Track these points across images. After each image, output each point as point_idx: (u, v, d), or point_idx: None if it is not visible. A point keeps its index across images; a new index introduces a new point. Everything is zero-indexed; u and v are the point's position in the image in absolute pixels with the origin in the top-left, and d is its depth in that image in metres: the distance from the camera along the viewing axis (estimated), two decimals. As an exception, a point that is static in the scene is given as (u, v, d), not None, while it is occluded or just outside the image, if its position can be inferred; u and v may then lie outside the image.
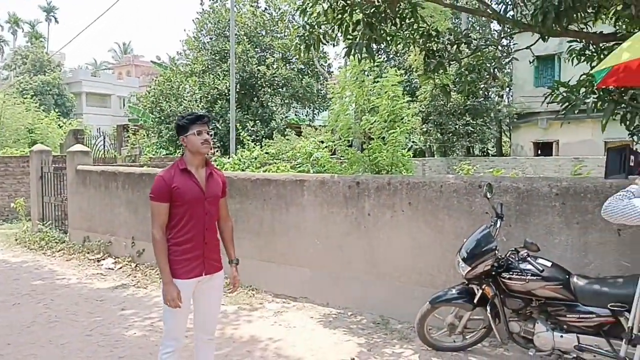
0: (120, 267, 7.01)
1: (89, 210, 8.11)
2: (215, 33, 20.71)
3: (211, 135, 3.11)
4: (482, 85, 5.68)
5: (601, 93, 4.67)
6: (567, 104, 4.66)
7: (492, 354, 4.06)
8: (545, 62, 20.93)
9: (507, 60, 5.91)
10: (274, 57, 20.27)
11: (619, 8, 4.94)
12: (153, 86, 20.68)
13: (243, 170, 9.50)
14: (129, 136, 20.28)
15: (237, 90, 18.28)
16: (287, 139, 14.94)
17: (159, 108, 19.31)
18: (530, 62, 6.58)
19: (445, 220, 4.58)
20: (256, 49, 20.38)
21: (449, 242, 4.41)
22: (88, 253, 7.67)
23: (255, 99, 19.94)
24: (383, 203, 4.99)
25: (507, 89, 23.94)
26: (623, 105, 4.58)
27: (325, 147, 10.33)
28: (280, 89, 20.62)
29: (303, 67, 22.00)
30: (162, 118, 19.08)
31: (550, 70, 21.35)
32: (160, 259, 2.90)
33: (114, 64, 59.88)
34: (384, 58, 24.47)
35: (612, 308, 3.15)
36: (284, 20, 21.58)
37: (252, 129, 17.73)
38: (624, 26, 5.22)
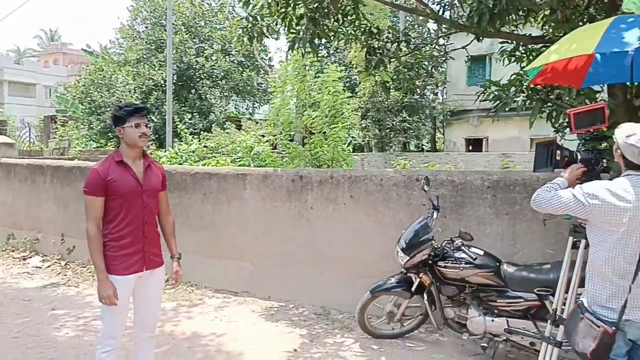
0: (49, 266, 6.63)
1: (13, 205, 7.60)
2: (150, 22, 19.98)
3: (149, 127, 3.02)
4: (418, 83, 5.85)
5: (530, 92, 4.97)
6: (498, 101, 4.93)
7: (428, 339, 4.23)
8: (477, 62, 21.88)
9: (443, 59, 6.13)
10: (213, 48, 19.87)
11: (546, 13, 5.28)
12: (83, 75, 19.64)
13: (180, 164, 9.27)
14: (57, 128, 19.13)
15: (174, 81, 17.76)
16: (227, 133, 14.70)
17: (89, 98, 18.37)
18: (465, 62, 6.87)
19: (385, 212, 4.71)
20: (194, 40, 19.87)
21: (389, 233, 4.53)
22: (13, 251, 7.19)
23: (193, 90, 19.46)
24: (326, 196, 5.06)
25: (442, 87, 24.82)
26: (549, 103, 4.90)
27: (266, 141, 10.27)
28: (219, 82, 20.26)
29: (243, 59, 21.72)
30: (93, 109, 18.17)
31: (482, 69, 22.37)
32: (95, 256, 2.78)
33: (39, 52, 56.09)
34: (325, 54, 24.63)
35: (539, 292, 3.38)
36: (224, 12, 21.18)
37: (189, 121, 17.30)
38: (550, 30, 5.58)
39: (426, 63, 5.44)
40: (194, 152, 11.21)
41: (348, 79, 23.04)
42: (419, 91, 21.45)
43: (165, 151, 11.85)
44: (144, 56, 19.21)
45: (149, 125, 2.98)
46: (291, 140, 10.76)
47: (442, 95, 25.96)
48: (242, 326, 4.61)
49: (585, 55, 2.98)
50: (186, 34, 19.12)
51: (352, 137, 25.36)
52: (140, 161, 2.95)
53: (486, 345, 3.60)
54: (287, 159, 9.86)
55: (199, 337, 4.34)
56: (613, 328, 2.18)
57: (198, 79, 19.33)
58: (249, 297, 5.38)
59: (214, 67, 19.28)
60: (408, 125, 22.79)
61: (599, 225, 2.28)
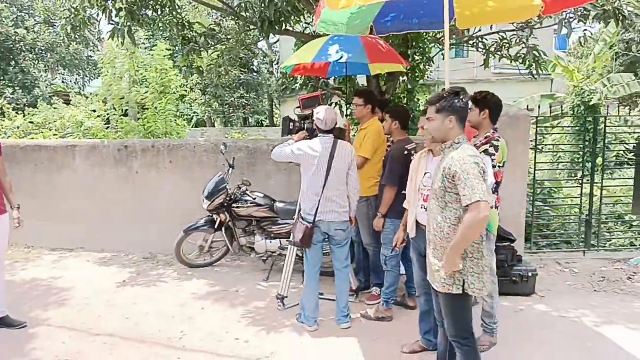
0: None
1: None
2: (-45, -15, 17.94)
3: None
4: (227, 68, 7.13)
5: (307, 80, 6.61)
6: (284, 86, 6.47)
7: (232, 265, 5.65)
8: (301, 44, 23.85)
9: (248, 50, 7.40)
10: (35, 19, 18.62)
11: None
12: None
13: (4, 140, 9.26)
14: None
15: (-11, 52, 16.46)
16: (55, 108, 14.30)
17: None
18: (264, 59, 8.15)
19: (198, 172, 5.94)
20: (12, 9, 18.39)
21: (201, 189, 5.77)
22: None
23: (13, 63, 18.13)
24: (149, 162, 6.11)
25: (276, 65, 26.46)
26: (319, 88, 6.59)
27: (98, 116, 10.58)
28: (43, 54, 19.11)
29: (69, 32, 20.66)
30: None
31: (308, 51, 24.45)
32: None
33: None
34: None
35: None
36: (44, -21, 19.81)
37: (11, 96, 16.29)
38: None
39: (228, 53, 6.70)
40: (18, 127, 11.00)
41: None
42: (252, 69, 22.70)
43: (-16, 127, 11.34)
44: (-51, 23, 17.32)
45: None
46: (125, 115, 11.21)
47: (277, 74, 27.65)
48: (77, 271, 5.50)
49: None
50: (1, 2, 17.64)
51: (195, 112, 25.84)
52: (-20, 132, 3.77)
53: (265, 258, 5.13)
54: (121, 133, 10.37)
55: (38, 280, 5.16)
56: (311, 225, 3.75)
57: (19, 51, 18.05)
58: (84, 251, 6.23)
59: (36, 39, 18.15)
60: (246, 102, 24.06)
61: (304, 166, 3.82)
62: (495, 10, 3.85)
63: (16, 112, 12.31)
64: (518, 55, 6.54)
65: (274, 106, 27.35)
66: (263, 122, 28.67)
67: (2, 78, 17.67)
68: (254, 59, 24.11)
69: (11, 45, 17.94)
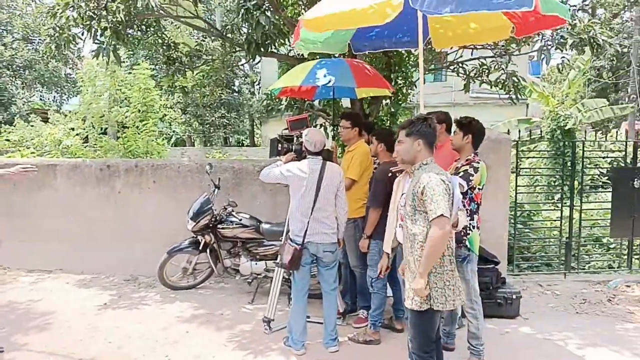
0: None
1: None
2: None
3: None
4: (211, 89, 7.14)
5: (291, 102, 6.66)
6: (270, 107, 6.49)
7: (216, 287, 5.57)
8: (286, 67, 24.06)
9: (231, 70, 7.42)
10: (13, 36, 18.37)
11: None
12: None
13: (-20, 158, 9.05)
14: None
15: (-35, 69, 16.15)
16: (32, 126, 14.07)
17: None
18: (246, 79, 8.17)
19: (183, 193, 5.88)
20: (-11, 25, 18.19)
21: (186, 209, 5.70)
22: None
23: (-10, 80, 17.84)
24: (132, 182, 6.03)
25: (258, 86, 26.54)
26: (305, 110, 6.64)
27: (77, 134, 10.44)
28: (21, 72, 18.83)
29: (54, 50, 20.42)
30: None
31: (289, 72, 24.63)
32: None
33: None
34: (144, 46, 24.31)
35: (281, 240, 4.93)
36: (25, -3, 19.68)
37: (-13, 113, 15.97)
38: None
39: (213, 74, 6.72)
40: (-7, 146, 10.80)
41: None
42: (234, 89, 22.73)
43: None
44: None
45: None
46: (104, 134, 11.08)
47: (258, 94, 27.73)
48: (56, 294, 5.34)
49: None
50: (-21, 18, 17.44)
51: (174, 131, 25.67)
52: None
53: (251, 281, 5.08)
54: (100, 152, 10.24)
55: (15, 304, 4.99)
56: (300, 247, 3.74)
57: (-5, 68, 17.79)
58: (63, 273, 6.07)
59: (14, 56, 17.89)
60: (227, 121, 24.03)
61: (293, 187, 3.82)
62: (474, 30, 3.98)
63: (-8, 130, 12.09)
64: (498, 80, 6.72)
65: (255, 126, 27.34)
66: (244, 142, 28.62)
67: (-23, 95, 17.35)
68: (235, 79, 24.18)
69: (-12, 62, 17.70)
